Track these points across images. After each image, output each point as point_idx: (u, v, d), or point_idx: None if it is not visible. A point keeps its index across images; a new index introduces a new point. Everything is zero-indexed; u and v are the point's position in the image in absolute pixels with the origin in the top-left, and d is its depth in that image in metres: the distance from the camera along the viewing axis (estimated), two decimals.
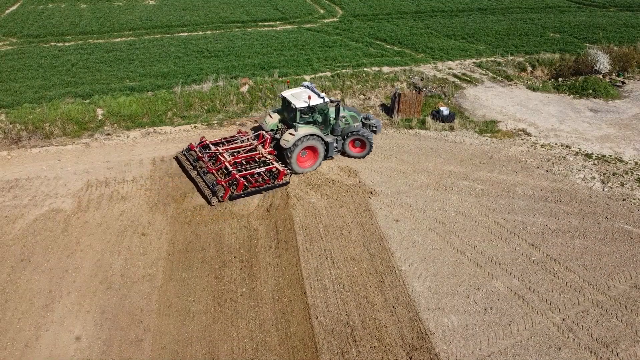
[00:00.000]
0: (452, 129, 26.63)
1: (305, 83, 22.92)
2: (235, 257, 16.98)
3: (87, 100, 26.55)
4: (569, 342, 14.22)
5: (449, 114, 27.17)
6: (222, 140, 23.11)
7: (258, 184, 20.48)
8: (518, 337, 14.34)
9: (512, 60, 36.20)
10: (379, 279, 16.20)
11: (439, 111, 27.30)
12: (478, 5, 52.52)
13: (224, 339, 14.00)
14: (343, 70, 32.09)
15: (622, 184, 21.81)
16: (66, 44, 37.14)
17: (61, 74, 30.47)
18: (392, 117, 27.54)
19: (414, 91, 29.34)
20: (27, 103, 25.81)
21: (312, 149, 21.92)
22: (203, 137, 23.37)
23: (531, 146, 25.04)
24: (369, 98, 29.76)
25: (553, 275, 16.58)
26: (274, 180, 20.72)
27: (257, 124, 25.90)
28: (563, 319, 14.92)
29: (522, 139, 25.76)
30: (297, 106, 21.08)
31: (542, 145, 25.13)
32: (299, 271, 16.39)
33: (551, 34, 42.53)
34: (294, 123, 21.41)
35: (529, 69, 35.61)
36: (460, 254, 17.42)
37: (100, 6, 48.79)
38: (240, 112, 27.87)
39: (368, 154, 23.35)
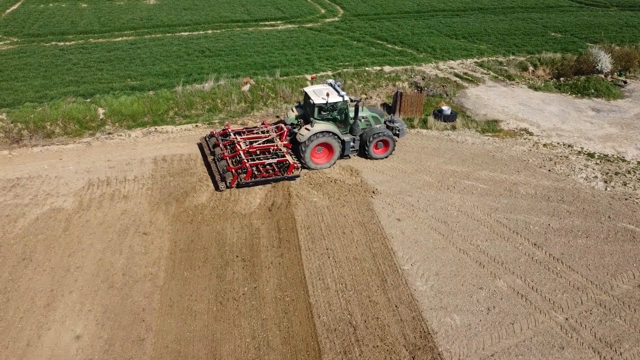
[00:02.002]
0: (454, 128, 26.59)
1: (330, 80, 23.04)
2: (237, 256, 16.93)
3: (89, 100, 26.53)
4: (572, 341, 14.16)
5: (451, 113, 27.12)
6: (244, 130, 23.64)
7: (267, 174, 20.62)
8: (521, 336, 14.28)
9: (513, 59, 36.15)
10: (382, 278, 16.15)
11: (440, 110, 27.26)
12: (479, 4, 52.45)
13: (226, 338, 13.96)
14: (344, 70, 32.05)
15: (624, 184, 21.76)
16: (67, 43, 37.09)
17: (62, 73, 30.44)
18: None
19: (415, 90, 29.29)
20: (29, 102, 25.79)
21: (328, 146, 21.93)
22: (227, 124, 24.24)
23: (533, 145, 24.99)
24: (371, 97, 29.72)
25: (556, 274, 16.53)
26: (284, 173, 20.77)
27: (259, 122, 25.85)
28: (566, 319, 14.87)
29: (524, 139, 25.71)
30: (314, 102, 21.28)
31: (544, 145, 25.08)
32: (301, 270, 16.34)
33: (553, 34, 42.48)
34: (311, 119, 21.54)
35: (531, 68, 35.55)
36: (463, 253, 17.37)
37: (101, 5, 48.74)
38: (241, 112, 27.83)
39: (391, 153, 23.18)
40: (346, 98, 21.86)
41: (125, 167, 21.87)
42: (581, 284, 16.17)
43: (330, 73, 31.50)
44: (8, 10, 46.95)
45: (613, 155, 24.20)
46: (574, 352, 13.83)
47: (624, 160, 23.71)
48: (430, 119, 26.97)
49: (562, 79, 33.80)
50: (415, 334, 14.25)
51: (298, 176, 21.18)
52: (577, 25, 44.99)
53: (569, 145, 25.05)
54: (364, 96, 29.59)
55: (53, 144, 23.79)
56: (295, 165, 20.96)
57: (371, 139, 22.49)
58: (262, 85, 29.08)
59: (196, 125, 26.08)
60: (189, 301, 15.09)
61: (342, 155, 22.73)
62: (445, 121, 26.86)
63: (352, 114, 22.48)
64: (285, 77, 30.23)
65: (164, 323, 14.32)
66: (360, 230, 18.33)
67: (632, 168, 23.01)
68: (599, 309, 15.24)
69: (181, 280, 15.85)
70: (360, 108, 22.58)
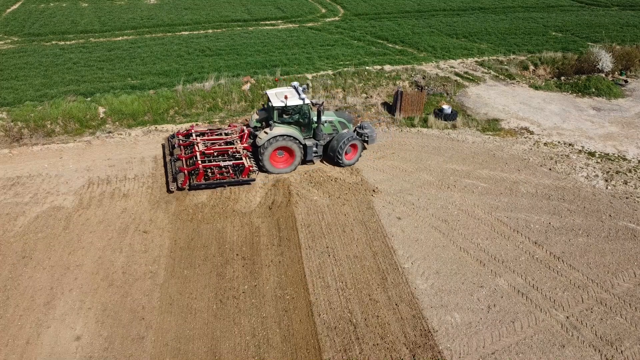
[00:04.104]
0: (454, 127, 26.56)
1: (294, 83, 22.30)
2: (237, 254, 16.91)
3: (89, 99, 26.50)
4: (573, 340, 14.13)
5: (452, 112, 27.10)
6: (207, 131, 23.39)
7: (222, 177, 20.39)
8: (522, 334, 14.25)
9: (514, 59, 36.10)
10: (382, 276, 16.13)
11: (441, 109, 27.24)
12: (480, 4, 52.41)
13: (226, 336, 13.93)
14: (345, 69, 32.01)
15: (625, 182, 21.72)
16: (67, 42, 37.10)
17: (62, 73, 30.42)
18: (394, 116, 27.47)
19: (416, 90, 29.27)
20: (29, 101, 25.77)
21: (289, 150, 21.31)
22: (192, 125, 24.20)
23: (534, 144, 24.96)
24: (371, 96, 29.69)
25: (557, 273, 16.50)
26: (238, 176, 20.59)
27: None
28: (567, 317, 14.84)
29: (525, 137, 25.68)
30: (273, 105, 20.89)
31: (545, 144, 25.05)
32: (301, 269, 16.32)
33: (553, 33, 42.42)
34: (271, 122, 21.22)
35: (532, 67, 35.51)
36: (464, 251, 17.34)
37: (102, 5, 48.75)
38: (242, 111, 27.80)
39: (357, 159, 22.43)
40: (307, 101, 21.16)
41: (125, 166, 21.86)
42: (582, 282, 16.13)
43: (330, 72, 31.49)
44: (9, 10, 46.98)
45: (614, 154, 24.17)
46: (574, 351, 13.80)
47: (624, 159, 23.68)
48: (431, 117, 26.96)
49: (562, 78, 33.76)
50: (415, 332, 14.23)
51: (253, 180, 20.64)
52: (578, 25, 44.93)
53: (570, 144, 25.02)
54: (364, 95, 29.56)
55: (53, 143, 23.78)
56: (250, 168, 20.55)
57: (342, 145, 21.57)
58: (263, 85, 29.06)
59: (197, 124, 26.03)
60: (189, 299, 15.07)
61: (305, 161, 22.03)
62: (445, 120, 26.83)
63: (316, 118, 21.86)
64: (286, 76, 30.20)
65: (163, 321, 14.30)
66: (360, 228, 18.30)
67: (633, 167, 22.97)
68: (600, 308, 15.21)
69: (181, 278, 15.84)
70: (322, 112, 21.57)
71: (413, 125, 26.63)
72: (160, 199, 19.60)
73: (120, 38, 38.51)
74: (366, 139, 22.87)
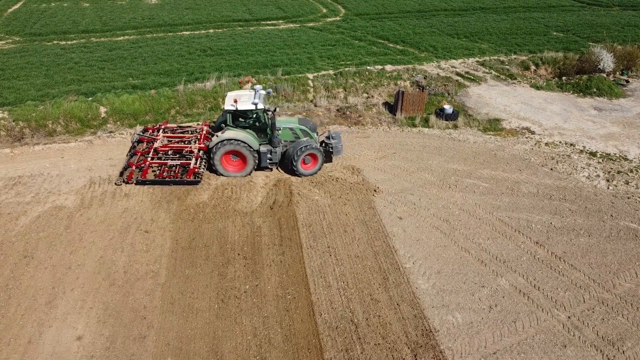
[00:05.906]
0: (455, 127, 26.55)
1: (257, 87, 21.69)
2: (238, 254, 16.92)
3: (90, 98, 26.54)
4: (574, 340, 14.12)
5: (453, 112, 27.09)
6: (177, 128, 23.85)
7: (169, 175, 20.61)
8: (523, 334, 14.24)
9: (515, 59, 36.09)
10: (383, 276, 16.13)
11: (442, 109, 27.23)
12: (481, 4, 52.42)
13: (228, 335, 13.94)
14: (346, 69, 32.04)
15: (626, 182, 21.70)
16: (69, 42, 37.15)
17: (64, 72, 30.47)
18: (395, 116, 27.47)
19: (417, 89, 29.26)
20: (30, 101, 25.82)
21: (241, 155, 20.90)
22: (166, 121, 24.89)
23: (535, 144, 24.95)
24: (372, 96, 29.68)
25: (558, 273, 16.48)
26: (182, 176, 20.67)
27: None
28: (568, 317, 14.83)
29: (526, 137, 25.66)
30: (225, 108, 20.87)
31: (546, 144, 25.03)
32: (302, 268, 16.32)
33: (555, 33, 42.41)
34: (223, 125, 21.22)
35: (533, 67, 35.49)
36: (465, 251, 17.33)
37: (103, 5, 48.83)
38: None
39: (319, 169, 21.61)
40: (260, 106, 20.64)
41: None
42: (583, 282, 16.12)
43: (331, 72, 31.51)
44: (10, 10, 47.04)
45: (615, 154, 24.15)
46: (576, 351, 13.79)
47: (626, 159, 23.66)
48: (432, 117, 26.95)
49: (564, 78, 33.74)
50: (417, 332, 14.22)
51: (199, 181, 20.42)
52: (579, 25, 44.93)
53: (571, 144, 25.00)
54: (365, 95, 29.55)
55: (55, 143, 23.80)
56: (195, 170, 20.50)
57: (297, 154, 20.77)
58: (264, 84, 29.06)
59: (198, 124, 26.03)
60: (191, 299, 15.08)
61: (260, 167, 21.41)
62: (447, 120, 26.82)
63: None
64: (287, 76, 30.24)
65: (165, 320, 14.31)
66: (361, 228, 18.30)
67: (635, 167, 22.95)
68: (602, 307, 15.19)
69: (182, 278, 15.84)
70: (274, 117, 20.91)
71: (414, 125, 26.63)
72: (161, 199, 19.61)
73: (121, 38, 38.56)
74: (330, 149, 21.80)
